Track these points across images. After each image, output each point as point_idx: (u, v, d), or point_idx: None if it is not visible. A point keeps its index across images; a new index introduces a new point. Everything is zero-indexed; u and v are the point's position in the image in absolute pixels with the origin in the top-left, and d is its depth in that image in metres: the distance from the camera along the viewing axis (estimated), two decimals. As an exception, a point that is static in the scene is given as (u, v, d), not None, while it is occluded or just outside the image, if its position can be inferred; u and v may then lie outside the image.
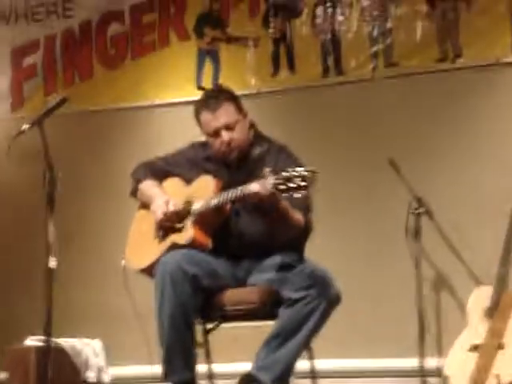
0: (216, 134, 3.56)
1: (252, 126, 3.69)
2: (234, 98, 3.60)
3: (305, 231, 3.50)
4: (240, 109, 3.60)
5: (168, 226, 3.54)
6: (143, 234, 3.68)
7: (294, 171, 3.11)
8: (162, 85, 5.41)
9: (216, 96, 3.59)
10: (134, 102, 5.45)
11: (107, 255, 4.97)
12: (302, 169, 3.12)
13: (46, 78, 5.58)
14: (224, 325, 3.86)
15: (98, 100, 5.49)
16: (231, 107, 3.56)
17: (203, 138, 3.71)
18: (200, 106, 3.61)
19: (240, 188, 3.33)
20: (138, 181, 3.72)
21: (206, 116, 3.57)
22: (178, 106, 5.31)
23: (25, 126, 3.34)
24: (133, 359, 4.84)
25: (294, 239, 3.48)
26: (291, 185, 3.11)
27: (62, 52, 5.59)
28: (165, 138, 5.05)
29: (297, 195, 3.13)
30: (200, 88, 5.28)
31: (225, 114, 3.54)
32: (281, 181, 3.13)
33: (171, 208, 3.52)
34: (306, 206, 3.50)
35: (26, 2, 5.68)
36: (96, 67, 5.53)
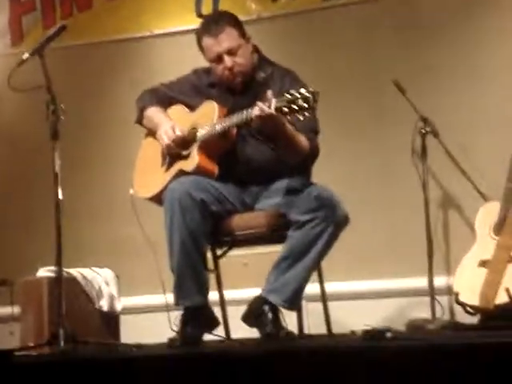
0: (218, 59, 3.52)
1: (256, 50, 3.65)
2: (235, 22, 3.56)
3: (311, 155, 3.50)
4: (242, 33, 3.55)
5: (174, 152, 3.54)
6: (150, 161, 3.68)
7: (296, 93, 3.11)
8: (161, 14, 5.32)
9: (217, 20, 3.55)
10: (134, 32, 5.36)
11: (114, 185, 4.99)
12: (303, 90, 3.10)
13: (45, 11, 5.49)
14: (233, 252, 3.90)
15: (98, 31, 5.41)
16: (233, 31, 3.51)
17: (206, 65, 3.68)
18: (201, 32, 3.57)
19: (244, 112, 3.32)
20: (143, 108, 3.71)
21: (207, 41, 3.54)
22: (178, 34, 5.24)
23: (25, 55, 3.33)
24: (144, 289, 4.89)
25: (300, 163, 3.48)
26: (294, 107, 3.11)
27: (60, -16, 5.51)
28: (167, 67, 5.00)
29: (300, 117, 3.12)
30: (200, 16, 5.19)
31: (227, 38, 3.50)
32: (283, 103, 3.13)
33: (177, 133, 3.51)
34: (311, 129, 3.49)
35: None
36: (94, -2, 5.46)
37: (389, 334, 2.79)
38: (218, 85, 3.63)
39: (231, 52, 3.51)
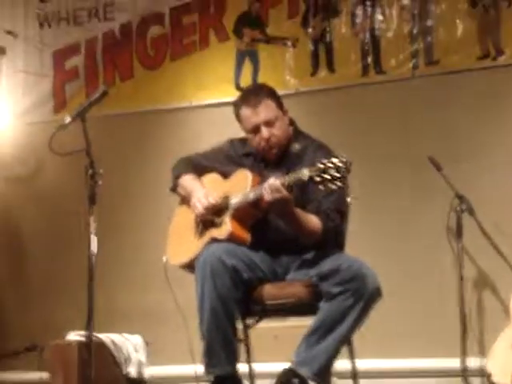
0: (256, 129, 3.55)
1: (292, 123, 3.68)
2: (274, 95, 3.59)
3: (324, 237, 3.41)
4: (280, 105, 3.58)
5: (207, 220, 3.55)
6: (183, 229, 3.69)
7: (328, 162, 3.10)
8: (200, 85, 5.44)
9: (257, 92, 3.59)
10: (173, 102, 5.49)
11: (148, 252, 5.02)
12: (336, 160, 3.10)
13: (88, 79, 5.64)
14: (264, 324, 3.86)
15: (139, 100, 5.54)
16: (271, 103, 3.54)
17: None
18: (240, 102, 3.61)
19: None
20: (178, 175, 3.73)
21: (246, 112, 3.57)
22: (216, 106, 5.34)
23: (67, 119, 3.38)
24: (174, 358, 4.86)
25: (312, 243, 3.44)
26: (326, 176, 3.09)
27: (103, 54, 5.65)
28: (203, 138, 5.07)
29: (333, 186, 3.12)
30: (239, 88, 5.30)
31: (265, 109, 3.53)
32: (316, 172, 3.13)
33: (211, 201, 3.53)
34: (335, 212, 3.46)
35: (68, 6, 5.75)
36: (136, 67, 5.59)
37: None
38: (252, 155, 3.66)
39: (269, 123, 3.54)
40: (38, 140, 5.44)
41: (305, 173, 3.17)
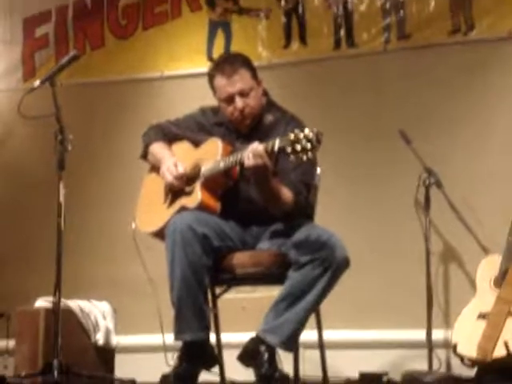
0: (230, 99, 3.54)
1: (265, 94, 3.68)
2: (249, 64, 3.57)
3: (294, 209, 3.44)
4: (255, 75, 3.57)
5: (177, 188, 3.55)
6: (153, 197, 3.69)
7: (300, 133, 3.10)
8: (173, 56, 5.41)
9: (232, 61, 3.56)
10: (144, 72, 5.45)
11: (116, 222, 5.00)
12: (307, 130, 3.10)
13: (58, 47, 5.57)
14: (232, 295, 3.87)
15: (110, 70, 5.49)
16: (247, 73, 3.53)
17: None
18: (215, 70, 3.59)
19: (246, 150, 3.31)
20: (148, 143, 3.72)
21: (220, 81, 3.54)
22: (188, 77, 5.31)
23: (36, 82, 3.36)
24: (142, 327, 4.87)
25: (281, 215, 3.46)
26: (297, 147, 3.09)
27: (74, 22, 5.59)
28: (175, 108, 4.96)
29: (304, 157, 3.12)
30: (211, 59, 5.28)
31: (240, 79, 3.51)
32: (287, 143, 3.13)
33: (180, 170, 3.52)
34: (302, 182, 3.48)
35: (39, -27, 5.69)
36: (107, 37, 5.53)
37: (385, 378, 2.76)
38: (224, 125, 3.65)
39: (243, 94, 3.52)
40: (6, 108, 5.40)
41: (276, 143, 3.17)
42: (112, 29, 5.54)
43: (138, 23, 5.49)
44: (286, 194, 3.41)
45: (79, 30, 5.58)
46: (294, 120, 3.59)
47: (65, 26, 5.60)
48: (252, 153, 3.23)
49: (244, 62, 3.57)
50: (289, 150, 3.11)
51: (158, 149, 3.68)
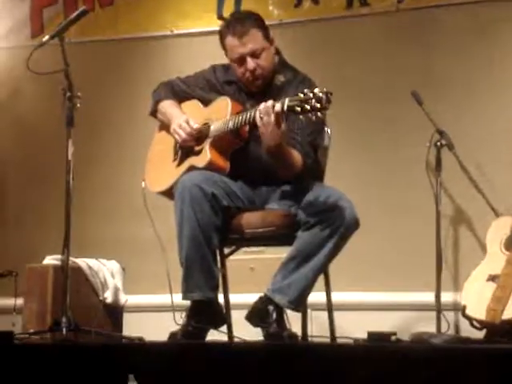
0: (241, 60, 3.50)
1: (277, 53, 3.63)
2: (261, 24, 3.52)
3: (303, 172, 3.42)
4: (267, 35, 3.52)
5: (187, 146, 3.52)
6: (162, 156, 3.67)
7: (310, 92, 3.08)
8: (182, 14, 5.34)
9: (243, 21, 3.50)
10: (153, 30, 5.39)
11: (126, 181, 5.01)
12: (317, 90, 3.08)
13: (66, 4, 5.50)
14: (240, 256, 3.86)
15: (118, 28, 5.43)
16: (258, 34, 3.48)
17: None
18: (226, 30, 3.53)
19: (256, 110, 3.28)
20: (158, 100, 3.69)
21: (231, 41, 3.50)
22: (198, 35, 5.26)
23: (45, 37, 3.32)
24: (151, 287, 4.88)
25: (290, 178, 3.44)
26: (307, 106, 3.08)
27: (83, -21, 5.52)
28: (184, 67, 4.93)
29: (313, 117, 3.10)
30: (220, 17, 5.20)
31: (252, 40, 3.46)
32: (297, 102, 3.10)
33: (193, 126, 3.49)
34: (311, 145, 3.46)
35: None
36: (117, -6, 5.48)
37: (394, 337, 2.76)
38: (235, 83, 3.61)
39: (255, 54, 3.48)
40: (15, 64, 5.35)
41: (286, 103, 3.14)
42: (121, -14, 5.48)
43: (147, -20, 5.42)
44: (296, 156, 3.39)
45: (89, -14, 5.52)
46: (306, 80, 3.56)
47: (74, -18, 5.53)
48: (263, 110, 3.19)
49: (256, 21, 3.51)
50: (298, 109, 3.09)
51: (167, 106, 3.65)
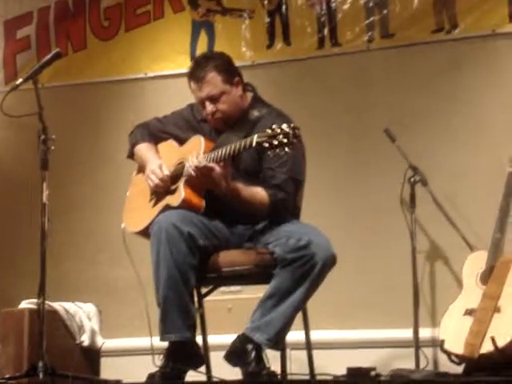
0: (201, 103, 3.56)
1: (252, 89, 3.66)
2: (222, 66, 3.54)
3: (271, 211, 3.44)
4: (228, 79, 3.53)
5: (162, 190, 3.53)
6: (139, 197, 3.68)
7: (278, 128, 3.14)
8: (156, 57, 5.37)
9: (203, 66, 3.54)
10: (127, 73, 5.41)
11: (102, 224, 5.00)
12: (285, 125, 3.13)
13: (40, 49, 5.51)
14: (218, 296, 3.84)
15: (92, 71, 5.45)
16: (217, 78, 3.51)
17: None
18: (188, 75, 3.61)
19: (227, 148, 3.31)
20: (133, 144, 3.72)
21: (192, 85, 3.58)
22: (172, 77, 5.29)
23: (19, 80, 3.34)
24: (128, 330, 4.85)
25: (261, 217, 3.46)
26: (274, 142, 3.13)
27: (56, 24, 5.54)
28: (159, 109, 4.96)
29: (281, 152, 3.14)
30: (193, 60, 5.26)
31: (208, 85, 3.50)
32: (264, 138, 3.15)
33: (165, 172, 3.51)
34: (291, 181, 3.48)
35: (19, -25, 5.64)
36: (89, 38, 5.49)
37: (373, 373, 2.75)
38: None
39: (212, 99, 3.52)
40: (-13, 110, 5.33)
41: (254, 139, 3.18)
42: (94, 30, 5.49)
43: (120, 24, 5.45)
44: (260, 196, 3.41)
45: (61, 31, 5.53)
46: (281, 116, 3.59)
47: (46, 28, 5.55)
48: (191, 168, 3.31)
49: (216, 64, 3.53)
50: (266, 145, 3.16)
51: (144, 150, 3.68)
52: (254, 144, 3.18)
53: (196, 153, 3.45)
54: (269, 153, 3.18)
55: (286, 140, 3.11)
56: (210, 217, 3.47)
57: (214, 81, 3.50)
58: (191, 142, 3.57)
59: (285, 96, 4.92)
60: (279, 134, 3.12)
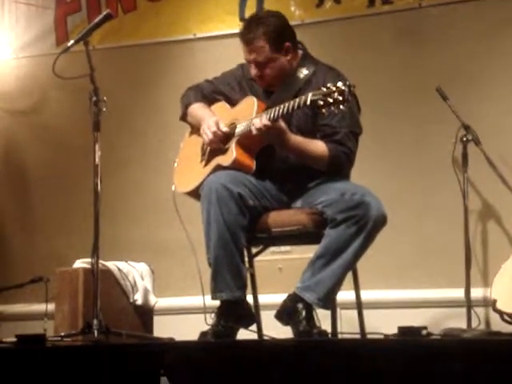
0: (249, 63, 3.55)
1: (302, 47, 3.62)
2: (272, 33, 3.47)
3: (332, 164, 3.43)
4: (278, 46, 3.48)
5: (215, 146, 3.54)
6: (190, 158, 3.69)
7: (332, 86, 3.12)
8: (205, 18, 5.35)
9: (254, 29, 3.49)
10: (176, 35, 5.40)
11: (153, 185, 5.04)
12: (340, 83, 3.11)
13: (90, 11, 5.52)
14: (268, 256, 3.85)
15: (142, 33, 5.45)
16: (265, 46, 3.47)
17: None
18: (239, 34, 3.58)
19: (282, 106, 3.29)
20: (187, 104, 3.73)
21: (242, 45, 3.55)
22: (221, 38, 5.27)
23: (70, 42, 3.36)
24: (181, 289, 4.90)
25: (322, 170, 3.45)
26: (329, 100, 3.12)
27: (106, -15, 5.56)
28: (208, 70, 4.95)
29: (336, 110, 3.12)
30: (243, 20, 5.21)
31: (255, 50, 3.48)
32: (319, 96, 3.14)
33: (222, 127, 3.51)
34: (351, 134, 3.46)
35: None
36: (139, 0, 5.48)
37: (424, 332, 2.75)
38: None
39: (259, 64, 3.50)
40: (40, 73, 5.39)
41: (309, 97, 3.17)
42: (144, -9, 5.51)
43: (170, -15, 5.45)
44: (319, 150, 3.40)
45: (111, -8, 5.55)
46: (332, 70, 3.57)
47: (97, -11, 5.58)
48: (254, 126, 3.29)
49: (265, 32, 3.47)
50: (321, 103, 3.14)
51: (197, 109, 3.68)
52: (308, 102, 3.18)
53: (250, 113, 3.45)
54: (323, 110, 3.16)
55: (341, 98, 3.10)
56: (260, 177, 3.48)
57: (262, 48, 3.48)
58: (244, 102, 3.57)
59: (334, 56, 4.85)
60: (334, 91, 3.11)
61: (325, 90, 3.13)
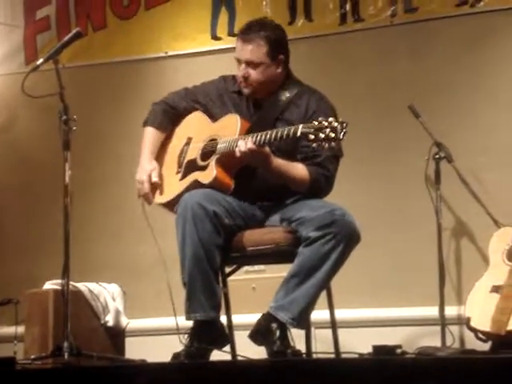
0: (238, 62, 3.52)
1: (287, 72, 3.60)
2: (273, 39, 3.47)
3: (312, 188, 3.42)
4: (273, 54, 3.47)
5: (192, 160, 3.52)
6: (167, 165, 3.66)
7: (324, 121, 3.07)
8: (176, 35, 5.34)
9: (256, 29, 3.48)
10: (148, 53, 5.39)
11: (124, 202, 4.98)
12: (332, 119, 3.07)
13: (60, 30, 5.49)
14: (242, 276, 3.81)
15: (112, 51, 5.43)
16: (263, 48, 3.46)
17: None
18: (240, 30, 3.56)
19: (271, 133, 3.27)
20: (144, 123, 3.74)
21: (237, 42, 3.53)
22: (192, 56, 5.26)
23: (40, 60, 3.32)
24: (153, 310, 4.85)
25: (302, 192, 3.44)
26: (321, 135, 3.07)
27: (75, 3, 5.51)
28: (179, 88, 5.00)
29: (326, 145, 3.09)
30: (215, 38, 5.22)
31: (251, 50, 3.46)
32: (310, 130, 3.10)
33: (153, 178, 3.53)
34: (333, 158, 3.45)
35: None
36: (109, 17, 5.46)
37: (399, 350, 2.73)
38: (243, 94, 3.58)
39: (250, 64, 3.47)
40: (9, 91, 5.36)
41: (299, 129, 3.14)
42: (114, 9, 5.46)
43: (140, 3, 5.41)
44: (301, 174, 3.39)
45: (81, 11, 5.50)
46: (315, 93, 3.57)
47: (66, 8, 5.53)
48: (238, 150, 3.26)
49: (267, 36, 3.47)
50: (312, 137, 3.10)
51: (146, 138, 3.68)
52: (298, 134, 3.15)
53: (232, 131, 3.42)
54: (314, 144, 3.11)
55: (333, 135, 3.06)
56: (236, 196, 3.45)
57: (259, 49, 3.46)
58: (226, 119, 3.53)
59: (306, 73, 4.84)
60: (326, 127, 3.06)
61: (316, 123, 3.08)
